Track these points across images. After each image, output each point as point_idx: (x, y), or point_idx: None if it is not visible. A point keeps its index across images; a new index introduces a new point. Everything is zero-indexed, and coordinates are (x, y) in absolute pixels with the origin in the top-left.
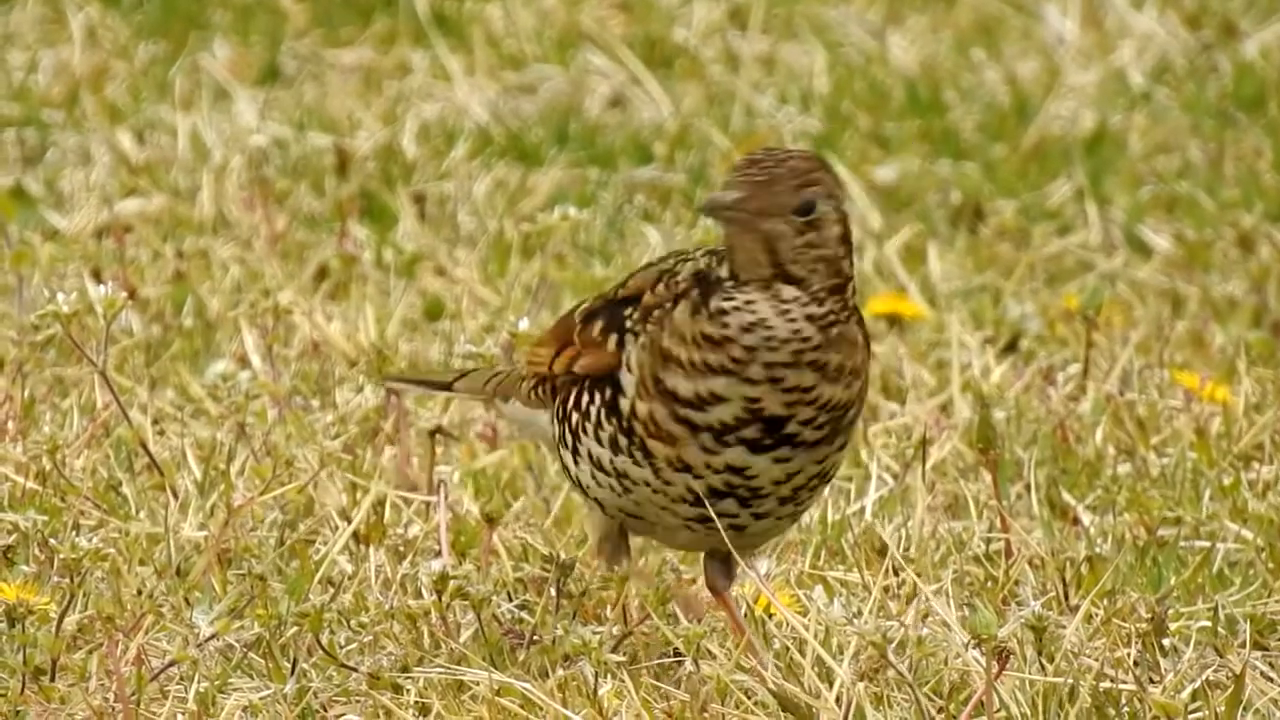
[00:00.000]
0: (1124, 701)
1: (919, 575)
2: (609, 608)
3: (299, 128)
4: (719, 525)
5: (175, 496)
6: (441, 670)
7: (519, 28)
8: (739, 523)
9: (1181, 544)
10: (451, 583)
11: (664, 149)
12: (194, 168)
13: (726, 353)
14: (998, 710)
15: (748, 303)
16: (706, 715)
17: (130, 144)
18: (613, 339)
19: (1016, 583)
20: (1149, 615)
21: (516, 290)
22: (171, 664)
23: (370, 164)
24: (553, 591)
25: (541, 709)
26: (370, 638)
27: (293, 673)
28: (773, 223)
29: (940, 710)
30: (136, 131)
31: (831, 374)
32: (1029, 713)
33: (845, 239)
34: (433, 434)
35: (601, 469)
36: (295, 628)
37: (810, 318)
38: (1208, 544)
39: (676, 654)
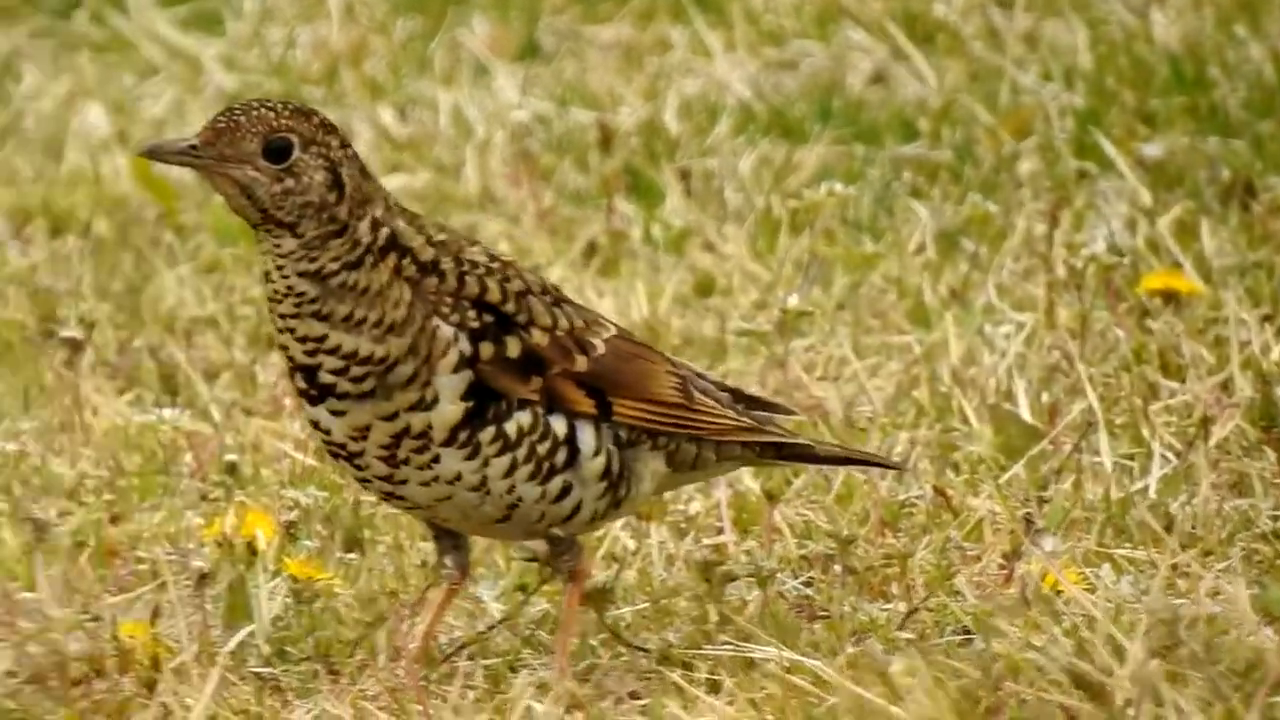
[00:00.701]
0: None
1: (1207, 553)
2: (894, 584)
3: (561, 103)
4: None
5: None
6: (731, 648)
7: (778, 4)
8: (409, 495)
9: None
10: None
11: (929, 125)
12: (457, 144)
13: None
14: None
15: (263, 255)
16: (1000, 693)
17: (392, 120)
18: None
19: None
20: None
21: (787, 266)
22: (462, 648)
23: (633, 140)
24: (838, 568)
25: (833, 687)
26: (656, 615)
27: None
28: (241, 169)
29: (1236, 689)
30: (398, 107)
31: (342, 324)
32: None
33: (335, 185)
34: None
35: None
36: (581, 606)
37: (302, 274)
38: None
39: (966, 631)
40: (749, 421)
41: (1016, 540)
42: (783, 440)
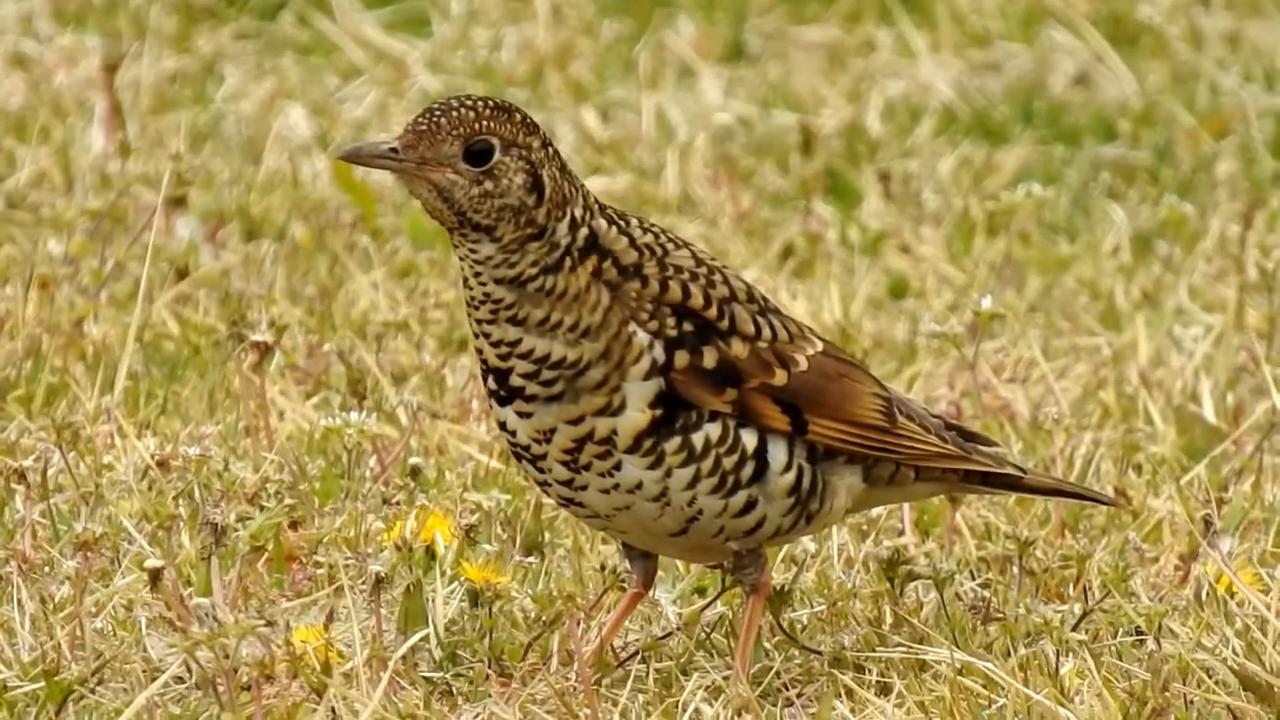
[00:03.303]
0: None
1: None
2: (1071, 586)
3: (764, 105)
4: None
5: None
6: (904, 650)
7: (983, 5)
8: (588, 502)
9: None
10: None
11: (1129, 127)
12: (659, 146)
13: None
14: None
15: (460, 260)
16: (1168, 694)
17: (595, 122)
18: None
19: None
20: None
21: (981, 268)
22: (637, 654)
23: (835, 142)
24: (1016, 569)
25: (1003, 688)
26: (832, 617)
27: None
28: (440, 172)
29: None
30: (601, 110)
31: (537, 328)
32: None
33: (535, 188)
34: None
35: None
36: None
37: (500, 280)
38: None
39: (1139, 632)
40: (954, 450)
41: (1194, 541)
42: (989, 469)
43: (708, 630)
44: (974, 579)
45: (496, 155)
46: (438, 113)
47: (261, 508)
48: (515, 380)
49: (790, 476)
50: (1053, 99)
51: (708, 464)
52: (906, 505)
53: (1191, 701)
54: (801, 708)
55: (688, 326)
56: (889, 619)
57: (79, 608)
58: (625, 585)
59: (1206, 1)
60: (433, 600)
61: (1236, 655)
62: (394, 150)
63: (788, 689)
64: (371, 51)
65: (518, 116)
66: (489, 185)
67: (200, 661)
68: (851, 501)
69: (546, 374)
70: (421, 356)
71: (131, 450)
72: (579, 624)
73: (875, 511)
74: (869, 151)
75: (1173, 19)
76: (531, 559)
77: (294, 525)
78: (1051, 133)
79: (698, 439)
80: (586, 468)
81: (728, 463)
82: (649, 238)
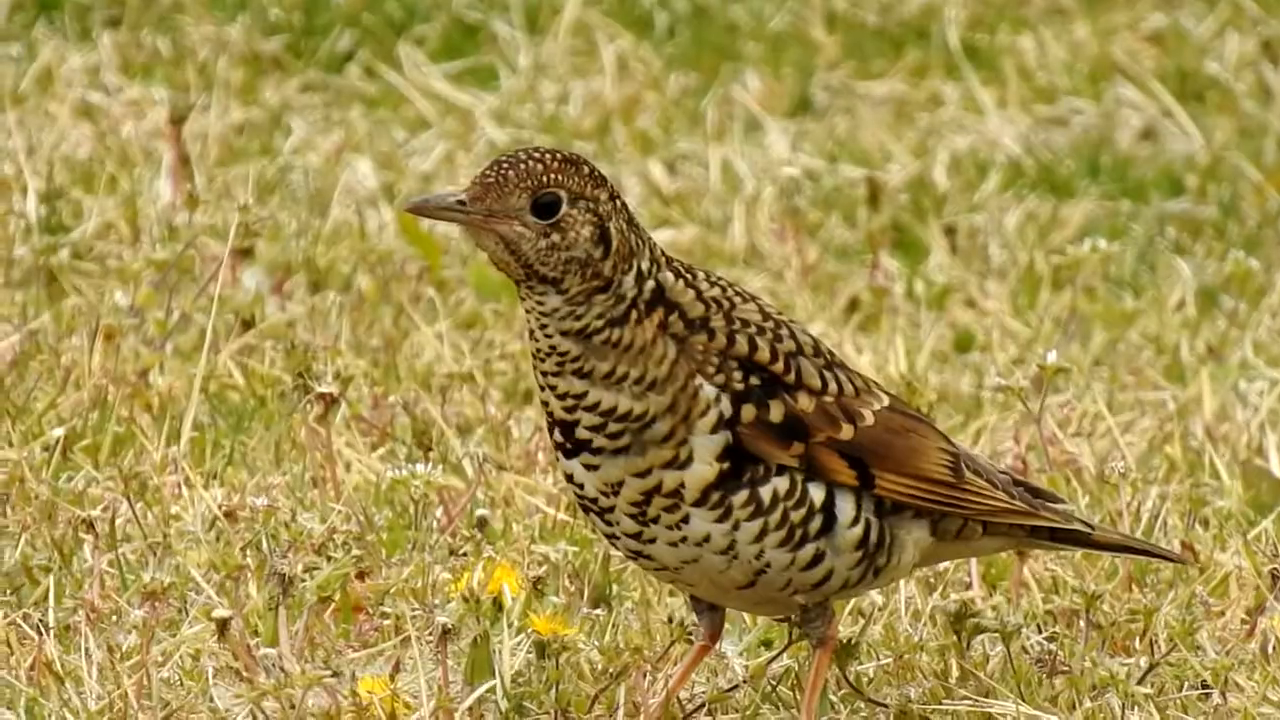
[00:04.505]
0: None
1: None
2: (1137, 639)
3: (830, 159)
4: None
5: None
6: (970, 703)
7: (1050, 60)
8: (656, 555)
9: None
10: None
11: (1195, 182)
12: (725, 199)
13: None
14: None
15: (527, 313)
16: None
17: (661, 175)
18: None
19: None
20: None
21: (1047, 322)
22: (703, 706)
23: (901, 196)
24: (1082, 623)
25: None
26: (899, 670)
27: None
28: (508, 225)
29: None
30: (668, 163)
31: (603, 381)
32: None
33: (602, 240)
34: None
35: None
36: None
37: (566, 333)
38: None
39: (1204, 686)
40: (1022, 506)
41: (1261, 596)
42: (1056, 525)
43: (774, 683)
44: (1041, 632)
45: (564, 208)
46: (505, 165)
47: (329, 558)
48: (581, 433)
49: (858, 530)
50: (1119, 154)
51: (775, 517)
52: (974, 559)
53: None
54: None
55: (754, 380)
56: (955, 672)
57: (146, 657)
58: (692, 637)
59: (1274, 57)
60: (499, 651)
61: None
62: (461, 202)
63: None
64: (439, 104)
65: (585, 169)
66: (556, 238)
67: (267, 712)
68: (919, 556)
69: (613, 427)
70: (487, 408)
71: (199, 500)
72: (646, 676)
73: (942, 565)
74: (935, 205)
75: (1240, 74)
76: (599, 611)
77: (361, 576)
78: (1117, 187)
79: (765, 493)
80: (654, 520)
81: (795, 516)
82: (715, 291)
